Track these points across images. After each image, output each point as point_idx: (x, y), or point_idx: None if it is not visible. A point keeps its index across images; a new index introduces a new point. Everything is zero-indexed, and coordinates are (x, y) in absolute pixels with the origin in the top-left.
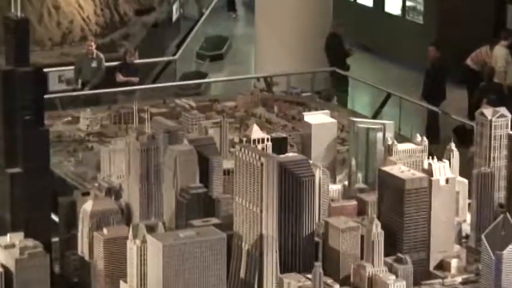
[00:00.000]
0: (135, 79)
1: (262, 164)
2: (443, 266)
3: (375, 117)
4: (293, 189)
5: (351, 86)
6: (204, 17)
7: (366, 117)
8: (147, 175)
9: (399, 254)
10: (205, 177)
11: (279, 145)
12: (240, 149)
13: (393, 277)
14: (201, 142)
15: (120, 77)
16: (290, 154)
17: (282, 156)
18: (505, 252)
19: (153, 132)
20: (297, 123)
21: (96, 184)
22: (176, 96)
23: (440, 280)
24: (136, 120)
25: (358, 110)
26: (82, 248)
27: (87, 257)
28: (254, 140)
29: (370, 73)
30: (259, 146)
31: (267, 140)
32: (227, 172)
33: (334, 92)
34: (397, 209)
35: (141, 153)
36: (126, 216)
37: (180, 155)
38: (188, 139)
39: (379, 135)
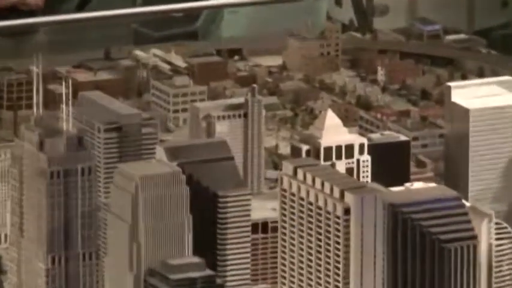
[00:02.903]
0: (34, 1)
1: (347, 210)
2: None
3: None
4: (426, 266)
5: None
6: None
7: None
8: (66, 235)
9: None
10: (208, 239)
11: (391, 161)
12: (295, 173)
13: None
14: (199, 154)
15: None
16: (417, 185)
17: (397, 190)
18: None
19: (79, 129)
20: (433, 107)
21: None
22: (137, 43)
23: None
24: (40, 100)
25: None
26: None
27: None
28: (328, 150)
29: None
30: (341, 164)
31: (360, 149)
32: (262, 228)
33: None
34: None
35: (49, 182)
36: None
37: (148, 187)
38: (166, 147)
39: None
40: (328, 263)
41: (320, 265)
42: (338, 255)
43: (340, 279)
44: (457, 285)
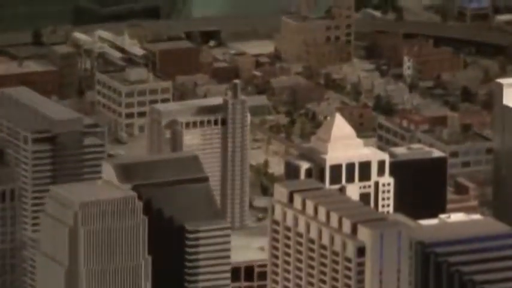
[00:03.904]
0: None
1: (361, 250)
2: None
3: None
4: None
5: None
6: None
7: None
8: None
9: None
10: None
11: (421, 185)
12: (290, 200)
13: None
14: (160, 174)
15: None
16: (456, 217)
17: (428, 223)
18: None
19: None
20: (478, 112)
21: None
22: (79, 22)
23: None
24: None
25: None
26: None
27: None
28: (335, 169)
29: None
30: (354, 189)
31: (380, 168)
32: (246, 274)
33: None
34: None
35: None
36: None
37: (91, 218)
38: (116, 164)
39: None
40: None
41: None
42: None
43: None
44: None
